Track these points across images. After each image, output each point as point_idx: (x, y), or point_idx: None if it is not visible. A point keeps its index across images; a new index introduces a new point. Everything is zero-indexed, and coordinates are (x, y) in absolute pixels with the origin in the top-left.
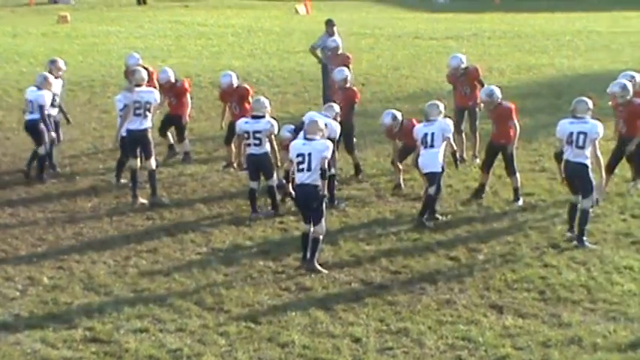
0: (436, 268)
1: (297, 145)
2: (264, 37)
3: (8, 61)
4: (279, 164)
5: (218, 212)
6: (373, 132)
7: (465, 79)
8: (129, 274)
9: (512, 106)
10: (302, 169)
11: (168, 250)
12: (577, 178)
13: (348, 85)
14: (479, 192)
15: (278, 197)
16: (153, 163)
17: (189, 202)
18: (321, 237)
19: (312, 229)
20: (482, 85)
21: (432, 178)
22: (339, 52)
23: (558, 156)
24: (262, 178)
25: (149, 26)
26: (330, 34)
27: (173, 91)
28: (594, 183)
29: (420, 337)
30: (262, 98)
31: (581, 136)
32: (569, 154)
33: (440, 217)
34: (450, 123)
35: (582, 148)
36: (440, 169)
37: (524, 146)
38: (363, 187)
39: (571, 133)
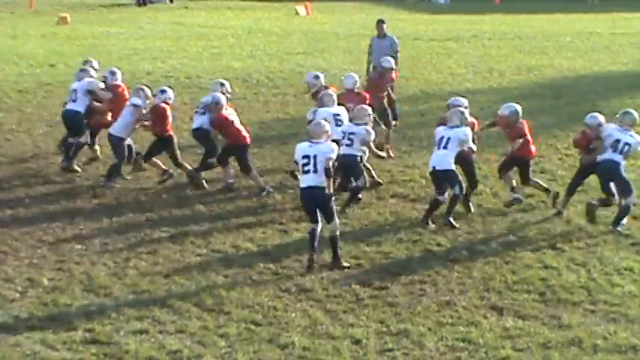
0: (436, 269)
1: (303, 146)
2: (265, 39)
3: (8, 63)
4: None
5: (218, 214)
6: None
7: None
8: (129, 275)
9: (525, 123)
10: (308, 171)
11: (168, 251)
12: (610, 175)
13: (358, 88)
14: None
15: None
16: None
17: (189, 203)
18: (337, 233)
19: (326, 227)
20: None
21: (449, 177)
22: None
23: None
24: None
25: (149, 27)
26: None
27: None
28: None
29: (420, 338)
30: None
31: (626, 147)
32: (608, 155)
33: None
34: (468, 132)
35: (621, 154)
36: (453, 167)
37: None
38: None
39: (618, 140)
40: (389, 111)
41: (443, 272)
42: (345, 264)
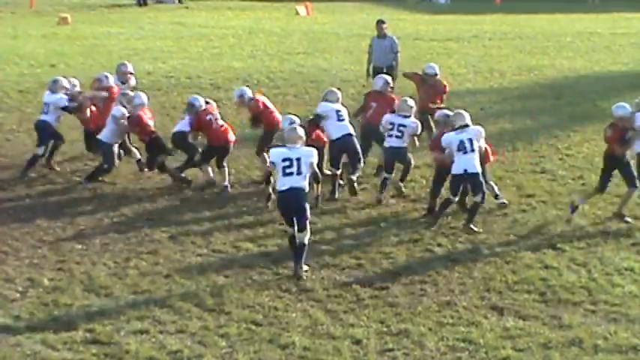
0: (437, 269)
1: (282, 150)
2: (265, 39)
3: (8, 63)
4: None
5: (218, 214)
6: None
7: None
8: (129, 275)
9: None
10: (290, 173)
11: (168, 251)
12: None
13: (389, 90)
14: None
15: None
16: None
17: (189, 203)
18: (306, 242)
19: (297, 234)
20: None
21: (478, 181)
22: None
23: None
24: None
25: (150, 27)
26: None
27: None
28: None
29: (421, 338)
30: (410, 100)
31: None
32: None
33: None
34: (481, 128)
35: None
36: (480, 171)
37: (525, 147)
38: (364, 188)
39: None
40: (431, 122)
41: (443, 272)
42: (302, 275)
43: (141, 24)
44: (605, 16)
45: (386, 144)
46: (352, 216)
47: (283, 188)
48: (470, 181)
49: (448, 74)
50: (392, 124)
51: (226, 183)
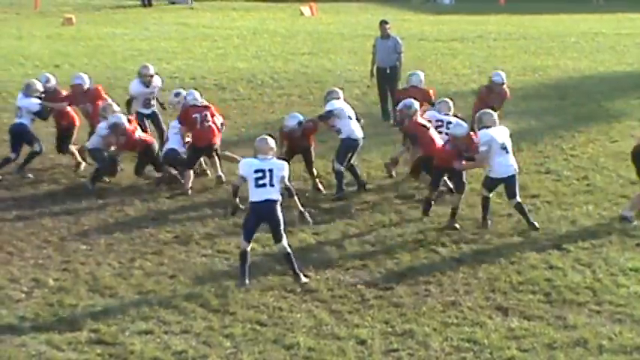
0: (441, 269)
1: (253, 161)
2: (270, 39)
3: (13, 64)
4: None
5: (223, 214)
6: (378, 134)
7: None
8: (134, 275)
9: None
10: (263, 185)
11: (173, 252)
12: None
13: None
14: None
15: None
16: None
17: (193, 204)
18: (289, 250)
19: (278, 245)
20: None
21: (515, 183)
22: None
23: None
24: None
25: (154, 28)
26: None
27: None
28: None
29: (426, 339)
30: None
31: None
32: None
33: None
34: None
35: None
36: None
37: (530, 147)
38: (369, 188)
39: None
40: None
41: (448, 273)
42: (304, 279)
43: (145, 25)
44: (610, 16)
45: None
46: (357, 216)
47: (257, 200)
48: (512, 182)
49: (453, 74)
50: (440, 121)
51: (219, 173)
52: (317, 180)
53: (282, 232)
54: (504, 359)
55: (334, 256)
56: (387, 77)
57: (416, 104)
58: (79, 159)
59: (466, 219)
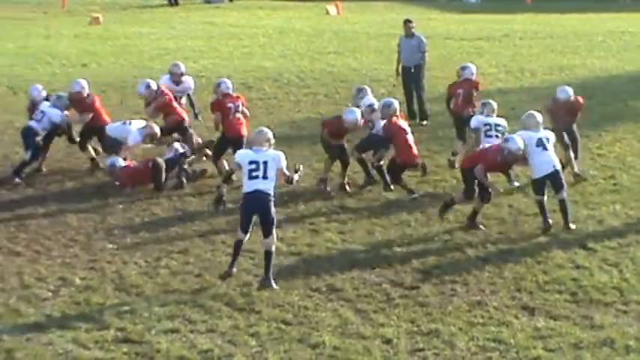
0: (467, 269)
1: (248, 153)
2: (295, 38)
3: (41, 62)
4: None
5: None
6: None
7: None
8: (160, 274)
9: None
10: (256, 177)
11: (199, 250)
12: None
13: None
14: None
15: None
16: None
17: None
18: (273, 249)
19: (262, 242)
20: None
21: (561, 177)
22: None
23: None
24: None
25: (181, 27)
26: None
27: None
28: None
29: (451, 338)
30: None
31: None
32: None
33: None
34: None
35: None
36: None
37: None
38: (395, 187)
39: None
40: (576, 135)
41: (474, 272)
42: (274, 285)
43: (172, 24)
44: (637, 15)
45: (487, 144)
46: (382, 215)
47: (248, 190)
48: (556, 177)
49: (479, 74)
50: (488, 124)
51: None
52: (345, 180)
53: (272, 229)
54: (530, 359)
55: (360, 256)
56: (411, 76)
57: (395, 103)
58: (93, 154)
59: (492, 218)
